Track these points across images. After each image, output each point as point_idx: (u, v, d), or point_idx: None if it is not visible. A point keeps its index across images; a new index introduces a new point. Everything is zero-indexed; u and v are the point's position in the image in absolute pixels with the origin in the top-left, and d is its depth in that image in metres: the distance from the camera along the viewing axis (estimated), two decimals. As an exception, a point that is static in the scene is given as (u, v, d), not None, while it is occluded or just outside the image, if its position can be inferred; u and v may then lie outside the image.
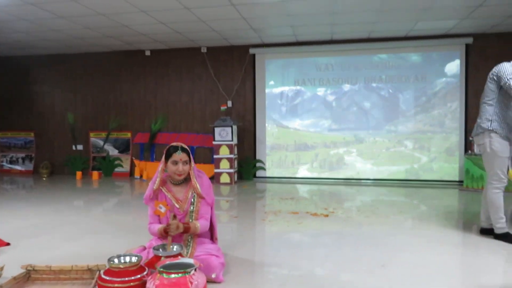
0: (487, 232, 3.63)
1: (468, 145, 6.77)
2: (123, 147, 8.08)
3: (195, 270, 2.03)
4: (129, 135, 8.06)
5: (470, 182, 6.34)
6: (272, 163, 7.57)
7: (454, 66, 6.91)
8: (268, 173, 7.55)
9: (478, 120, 3.51)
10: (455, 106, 6.94)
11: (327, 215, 4.47)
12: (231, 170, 6.95)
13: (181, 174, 2.64)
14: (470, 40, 6.67)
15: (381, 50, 7.09)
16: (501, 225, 3.45)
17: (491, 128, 3.37)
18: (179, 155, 2.61)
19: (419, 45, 6.91)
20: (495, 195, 3.43)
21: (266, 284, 2.55)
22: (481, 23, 6.13)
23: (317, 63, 7.34)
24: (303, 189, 6.59)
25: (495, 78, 3.40)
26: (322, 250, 3.33)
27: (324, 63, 7.32)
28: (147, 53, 7.83)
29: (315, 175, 7.40)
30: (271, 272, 2.77)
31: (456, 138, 6.96)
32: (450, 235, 3.78)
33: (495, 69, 3.43)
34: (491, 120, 3.38)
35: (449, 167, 7.01)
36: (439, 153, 7.05)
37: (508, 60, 3.45)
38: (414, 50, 7.00)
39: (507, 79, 3.26)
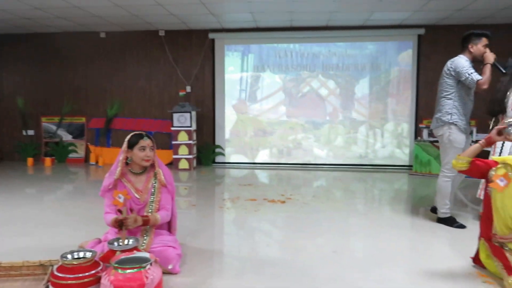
0: (436, 211, 3.91)
1: (418, 132, 7.10)
2: (78, 132, 7.83)
3: (151, 264, 2.06)
4: (83, 120, 7.80)
5: (418, 167, 6.69)
6: (231, 148, 7.61)
7: (407, 56, 7.17)
8: (227, 158, 7.59)
9: (438, 114, 3.68)
10: (407, 95, 7.23)
11: (284, 202, 4.59)
12: (190, 156, 6.93)
13: (149, 159, 2.64)
14: (422, 31, 6.93)
15: (338, 39, 7.22)
16: (445, 211, 3.70)
17: (451, 121, 3.57)
18: (146, 141, 2.62)
19: (375, 35, 7.10)
20: (445, 183, 3.66)
21: (223, 273, 2.62)
22: (432, 16, 6.37)
23: (277, 49, 7.38)
24: (261, 175, 6.69)
25: (452, 73, 3.57)
26: (279, 237, 3.45)
27: (284, 50, 7.37)
28: (102, 35, 7.55)
29: (273, 160, 7.52)
30: (228, 261, 2.84)
31: (407, 125, 7.28)
32: (399, 219, 4.02)
33: (451, 65, 3.60)
34: (451, 114, 3.58)
35: (400, 153, 7.35)
36: (391, 139, 7.36)
37: (456, 52, 3.68)
38: (370, 40, 7.18)
39: (468, 74, 3.45)
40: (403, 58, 7.18)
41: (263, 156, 7.56)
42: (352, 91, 7.35)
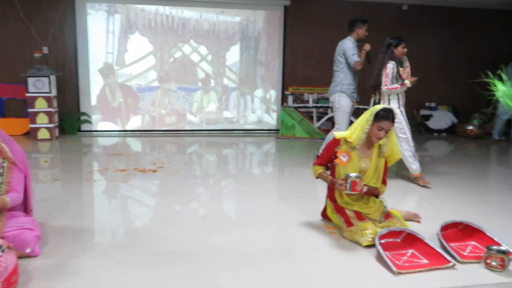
0: None
1: (284, 98, 7.61)
2: None
3: (3, 251, 1.91)
4: None
5: (284, 131, 7.23)
6: (99, 116, 7.17)
7: (275, 26, 7.50)
8: (95, 126, 7.15)
9: (332, 84, 4.57)
10: (274, 63, 7.63)
11: (155, 171, 4.57)
12: (51, 125, 6.32)
13: None
14: (287, 2, 7.29)
15: (209, 4, 7.17)
16: None
17: (342, 90, 4.49)
18: None
19: (244, 3, 7.23)
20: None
21: (91, 250, 2.54)
22: (296, -12, 6.74)
23: (146, 11, 7.02)
24: (132, 143, 6.50)
25: (341, 53, 4.48)
26: (151, 207, 3.46)
27: (153, 12, 7.05)
28: None
29: (145, 127, 7.32)
30: (96, 237, 2.77)
31: (274, 91, 7.74)
32: (268, 180, 4.37)
33: (341, 46, 4.47)
34: (342, 84, 4.49)
35: (268, 118, 7.82)
36: (260, 105, 7.76)
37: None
38: (240, 7, 7.29)
39: (351, 55, 4.36)
40: (271, 27, 7.50)
41: (134, 123, 7.30)
42: (224, 58, 7.47)
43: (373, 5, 7.55)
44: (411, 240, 2.54)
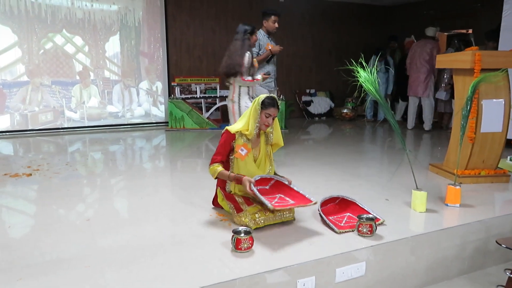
0: None
1: (171, 90, 7.48)
2: None
3: None
4: None
5: (174, 123, 7.13)
6: (-44, 117, 6.24)
7: (155, 15, 7.28)
8: (-48, 130, 6.21)
9: None
10: (158, 54, 7.44)
11: (30, 174, 4.15)
12: None
13: None
14: (167, -9, 7.16)
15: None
16: None
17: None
18: None
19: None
20: None
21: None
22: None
23: (6, -3, 6.26)
24: (1, 146, 5.79)
25: None
26: (27, 215, 3.14)
27: (15, -2, 6.32)
28: None
29: (16, 128, 6.58)
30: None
31: (160, 83, 7.56)
32: (160, 174, 4.26)
33: None
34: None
35: (156, 110, 7.63)
36: (147, 98, 7.52)
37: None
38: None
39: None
40: (151, 16, 7.28)
41: (1, 123, 6.50)
42: (103, 49, 7.04)
43: (251, -3, 7.80)
44: (279, 186, 2.84)
